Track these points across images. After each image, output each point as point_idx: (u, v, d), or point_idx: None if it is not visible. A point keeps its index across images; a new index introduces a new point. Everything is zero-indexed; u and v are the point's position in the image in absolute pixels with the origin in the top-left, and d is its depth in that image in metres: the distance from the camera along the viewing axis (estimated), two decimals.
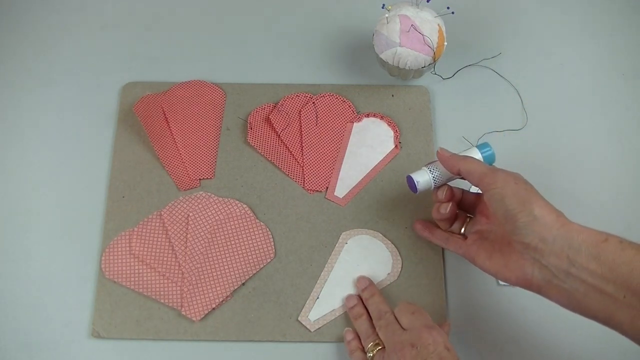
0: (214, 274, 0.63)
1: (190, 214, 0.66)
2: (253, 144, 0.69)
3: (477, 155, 0.59)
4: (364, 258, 0.64)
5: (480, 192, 0.55)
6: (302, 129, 0.70)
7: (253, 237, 0.65)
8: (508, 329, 0.62)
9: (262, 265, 0.64)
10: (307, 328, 0.61)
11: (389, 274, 0.63)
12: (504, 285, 0.63)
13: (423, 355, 0.51)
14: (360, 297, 0.62)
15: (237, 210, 0.66)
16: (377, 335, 0.57)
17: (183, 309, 0.62)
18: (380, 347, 0.55)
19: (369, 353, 0.56)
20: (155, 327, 0.61)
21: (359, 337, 0.59)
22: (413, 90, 0.72)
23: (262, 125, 0.70)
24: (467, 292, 0.63)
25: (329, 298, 0.62)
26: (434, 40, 0.66)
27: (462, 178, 0.57)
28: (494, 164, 0.58)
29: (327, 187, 0.68)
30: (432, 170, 0.59)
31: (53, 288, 0.63)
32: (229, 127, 0.71)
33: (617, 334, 0.61)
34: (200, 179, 0.68)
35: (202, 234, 0.65)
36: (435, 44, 0.66)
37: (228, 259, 0.64)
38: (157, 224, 0.65)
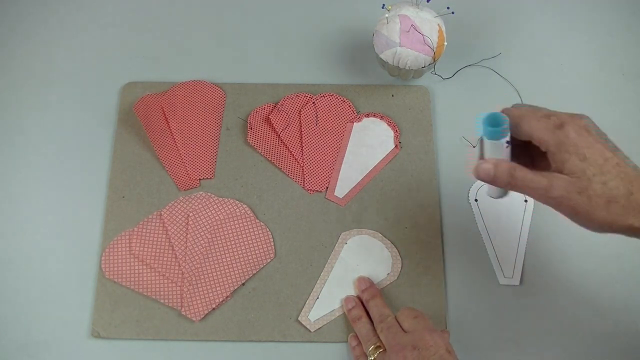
0: (214, 274, 0.63)
1: (190, 214, 0.66)
2: (253, 144, 0.69)
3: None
4: (363, 258, 0.64)
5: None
6: (302, 129, 0.70)
7: (253, 237, 0.65)
8: (508, 329, 0.62)
9: (262, 265, 0.64)
10: (307, 328, 0.61)
11: (388, 274, 0.63)
12: (504, 285, 0.63)
13: (424, 357, 0.51)
14: (359, 299, 0.62)
15: (237, 210, 0.66)
16: (378, 338, 0.57)
17: (183, 309, 0.62)
18: (381, 350, 0.55)
19: (370, 356, 0.56)
20: (155, 327, 0.61)
21: None
22: (413, 90, 0.72)
23: (262, 125, 0.70)
24: (467, 292, 0.63)
25: (329, 298, 0.62)
26: (434, 40, 0.66)
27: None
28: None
29: (327, 187, 0.68)
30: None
31: (53, 288, 0.63)
32: (229, 127, 0.71)
33: (617, 336, 0.61)
34: (200, 179, 0.68)
35: (202, 234, 0.65)
36: (435, 44, 0.66)
37: (228, 259, 0.64)
38: (157, 224, 0.65)
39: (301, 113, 0.71)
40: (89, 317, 0.62)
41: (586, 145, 0.49)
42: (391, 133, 0.70)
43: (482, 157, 0.51)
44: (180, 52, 0.75)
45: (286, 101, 0.71)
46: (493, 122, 0.49)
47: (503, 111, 0.51)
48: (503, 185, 0.50)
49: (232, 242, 0.65)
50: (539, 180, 0.49)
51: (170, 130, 0.70)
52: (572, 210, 0.49)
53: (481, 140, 0.50)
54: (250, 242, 0.65)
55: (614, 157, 0.49)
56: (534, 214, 0.66)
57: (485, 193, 0.55)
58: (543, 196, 0.49)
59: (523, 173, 0.49)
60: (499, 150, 0.50)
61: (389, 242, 0.65)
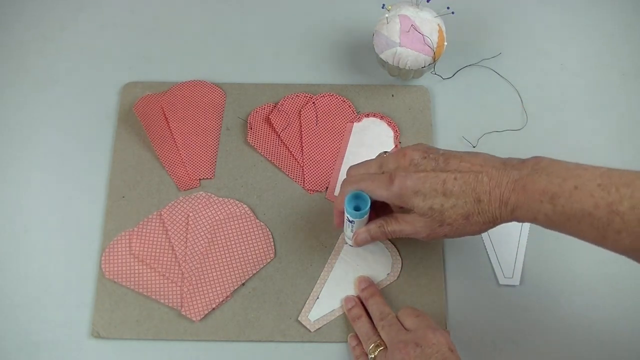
0: (214, 274, 0.63)
1: (190, 214, 0.66)
2: (253, 144, 0.69)
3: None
4: (364, 258, 0.64)
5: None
6: (302, 129, 0.70)
7: (253, 237, 0.65)
8: (508, 329, 0.62)
9: (262, 265, 0.64)
10: (307, 328, 0.61)
11: (388, 274, 0.63)
12: (504, 285, 0.63)
13: (427, 354, 0.51)
14: (358, 299, 0.62)
15: (237, 210, 0.66)
16: (378, 336, 0.56)
17: (183, 309, 0.62)
18: (381, 348, 0.55)
19: (371, 354, 0.56)
20: (155, 327, 0.61)
21: None
22: (413, 90, 0.72)
23: (262, 125, 0.70)
24: (467, 292, 0.63)
25: (329, 298, 0.62)
26: (434, 40, 0.66)
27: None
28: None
29: (327, 187, 0.68)
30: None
31: (53, 288, 0.63)
32: (229, 127, 0.71)
33: (617, 336, 0.61)
34: (200, 179, 0.68)
35: (202, 234, 0.65)
36: (435, 44, 0.66)
37: (228, 259, 0.64)
38: (157, 224, 0.65)
39: (301, 113, 0.71)
40: (89, 317, 0.62)
41: (420, 182, 0.51)
42: (391, 133, 0.70)
43: (351, 229, 0.57)
44: (180, 52, 0.75)
45: (286, 101, 0.71)
46: (357, 203, 0.54)
47: (344, 182, 0.56)
48: (383, 239, 0.56)
49: (232, 242, 0.65)
50: (405, 228, 0.54)
51: (170, 130, 0.70)
52: (446, 236, 0.53)
53: (349, 221, 0.56)
54: (250, 242, 0.65)
55: (450, 174, 0.51)
56: None
57: (348, 244, 0.61)
58: (416, 237, 0.54)
59: (391, 227, 0.55)
60: (364, 220, 0.56)
61: (389, 242, 0.65)
